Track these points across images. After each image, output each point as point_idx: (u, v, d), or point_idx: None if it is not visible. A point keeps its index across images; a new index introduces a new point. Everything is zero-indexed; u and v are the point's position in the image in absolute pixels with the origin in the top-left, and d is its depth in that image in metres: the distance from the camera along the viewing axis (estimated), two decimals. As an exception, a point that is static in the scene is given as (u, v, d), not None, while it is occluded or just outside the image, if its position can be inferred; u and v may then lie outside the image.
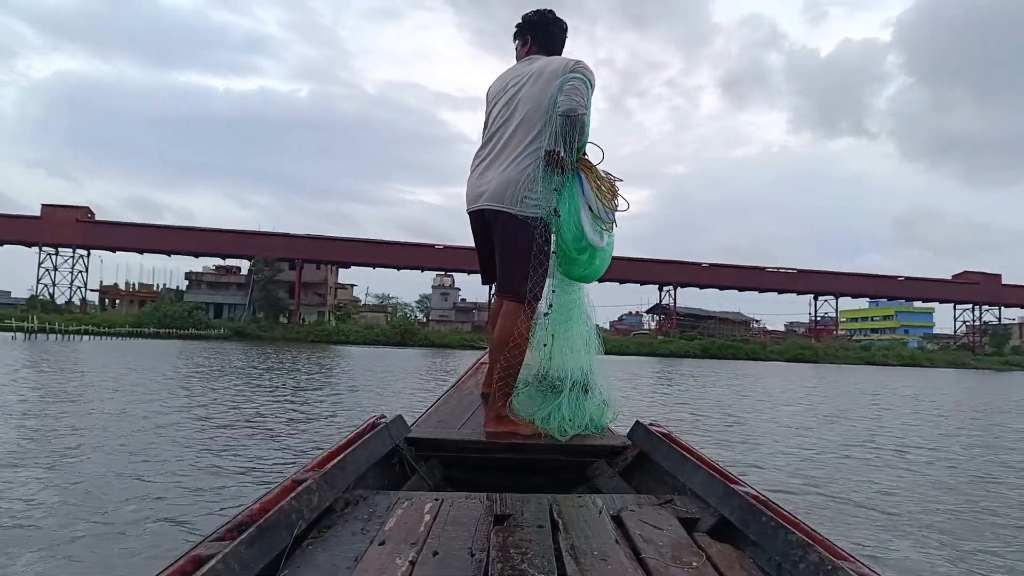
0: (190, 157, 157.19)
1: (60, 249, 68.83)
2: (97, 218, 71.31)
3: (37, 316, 51.95)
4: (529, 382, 2.47)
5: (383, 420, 2.15)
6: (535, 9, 2.65)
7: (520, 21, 2.65)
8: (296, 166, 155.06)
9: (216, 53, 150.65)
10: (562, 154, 2.27)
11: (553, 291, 2.44)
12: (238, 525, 1.34)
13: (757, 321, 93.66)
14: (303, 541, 1.45)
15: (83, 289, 71.19)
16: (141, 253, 72.19)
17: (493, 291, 2.65)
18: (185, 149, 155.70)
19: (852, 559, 1.31)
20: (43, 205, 68.18)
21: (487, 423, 2.38)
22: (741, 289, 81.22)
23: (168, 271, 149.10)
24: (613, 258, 2.54)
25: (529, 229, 2.34)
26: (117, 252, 71.74)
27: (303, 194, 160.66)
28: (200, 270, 77.60)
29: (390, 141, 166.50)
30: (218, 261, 76.56)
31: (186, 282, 77.00)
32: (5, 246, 68.08)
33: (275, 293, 68.98)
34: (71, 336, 48.45)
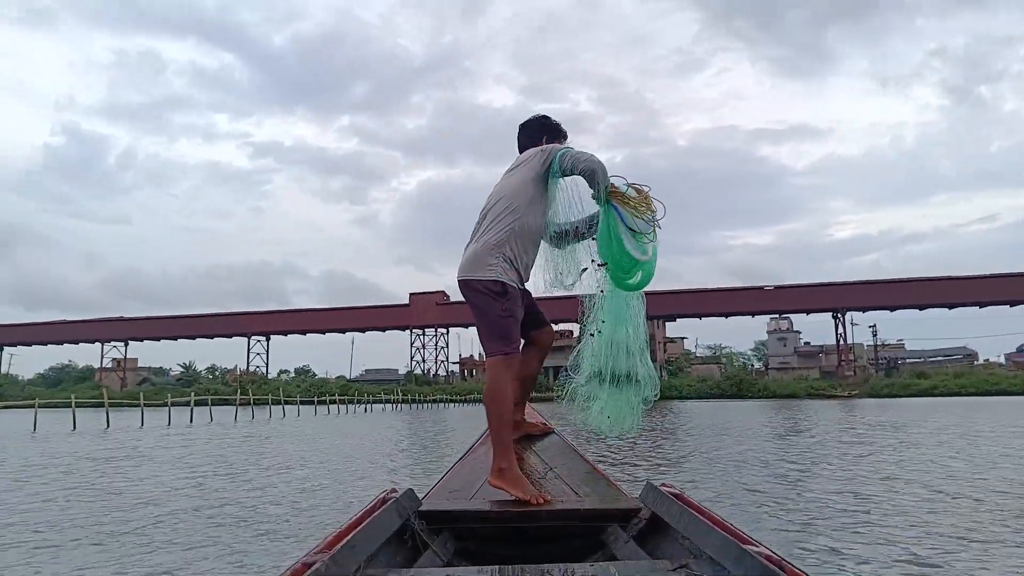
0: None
1: (425, 329, 79.60)
2: (451, 300, 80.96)
3: (411, 389, 59.64)
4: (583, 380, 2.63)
5: (394, 494, 2.13)
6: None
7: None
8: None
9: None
10: (593, 193, 2.49)
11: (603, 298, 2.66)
12: None
13: None
14: None
15: (446, 363, 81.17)
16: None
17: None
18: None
19: None
20: (410, 294, 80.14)
21: (490, 476, 2.37)
22: None
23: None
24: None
25: (486, 292, 2.49)
26: (469, 328, 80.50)
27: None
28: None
29: (709, 188, 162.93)
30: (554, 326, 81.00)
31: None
32: (388, 331, 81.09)
33: (605, 352, 70.20)
34: (440, 404, 54.82)
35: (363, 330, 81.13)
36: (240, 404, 35.24)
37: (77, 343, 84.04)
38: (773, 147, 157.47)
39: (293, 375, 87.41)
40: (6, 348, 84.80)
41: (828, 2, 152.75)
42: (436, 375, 79.79)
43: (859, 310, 70.05)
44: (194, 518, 5.61)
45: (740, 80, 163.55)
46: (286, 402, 41.70)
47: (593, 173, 2.45)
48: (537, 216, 2.59)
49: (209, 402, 33.83)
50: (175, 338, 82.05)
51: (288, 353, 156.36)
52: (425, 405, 53.15)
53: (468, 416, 30.66)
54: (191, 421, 27.26)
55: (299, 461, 10.74)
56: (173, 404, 29.63)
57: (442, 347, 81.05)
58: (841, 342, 70.35)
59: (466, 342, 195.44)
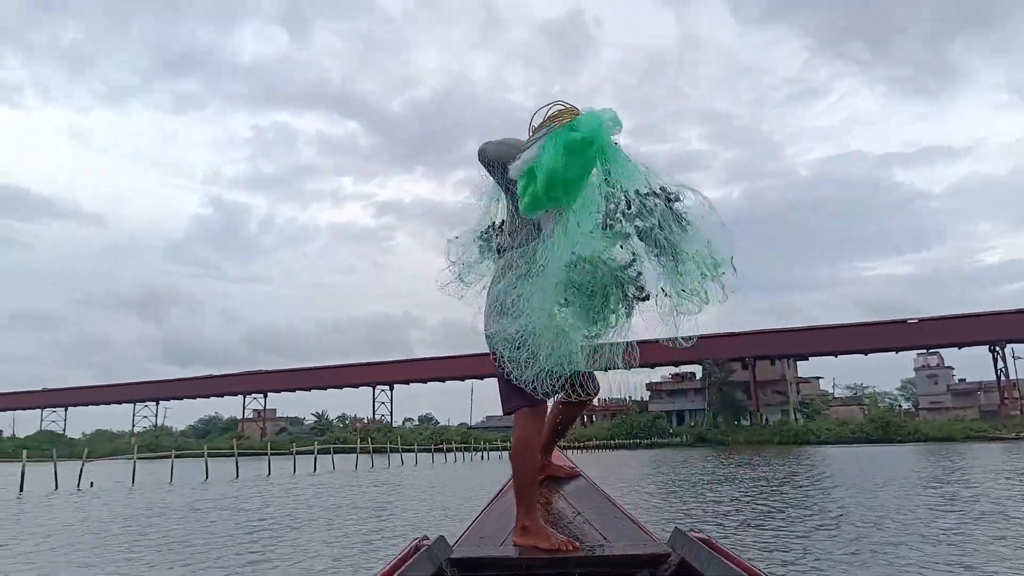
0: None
1: None
2: None
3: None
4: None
5: (426, 542, 2.16)
6: None
7: None
8: (737, 266, 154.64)
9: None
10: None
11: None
12: None
13: None
14: None
15: None
16: (605, 371, 78.26)
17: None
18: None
19: None
20: None
21: (514, 535, 2.36)
22: None
23: (632, 384, 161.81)
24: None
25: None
26: (586, 372, 79.25)
27: (745, 293, 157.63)
28: (659, 379, 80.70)
29: (836, 218, 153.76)
30: (674, 369, 78.42)
31: (648, 393, 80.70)
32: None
33: (731, 395, 66.56)
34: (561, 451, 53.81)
35: (481, 377, 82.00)
36: (361, 452, 36.29)
37: (222, 396, 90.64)
38: (905, 171, 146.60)
39: (416, 423, 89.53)
40: (162, 402, 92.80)
41: (949, 14, 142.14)
42: None
43: (1021, 342, 62.71)
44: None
45: (862, 104, 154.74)
46: (405, 450, 42.47)
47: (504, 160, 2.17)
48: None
49: (332, 451, 35.15)
50: (308, 389, 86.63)
51: (412, 402, 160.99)
52: None
53: (592, 462, 29.79)
54: (314, 470, 28.35)
55: (374, 509, 10.71)
56: (299, 453, 30.97)
57: None
58: (1002, 378, 63.12)
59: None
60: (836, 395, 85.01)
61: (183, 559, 6.88)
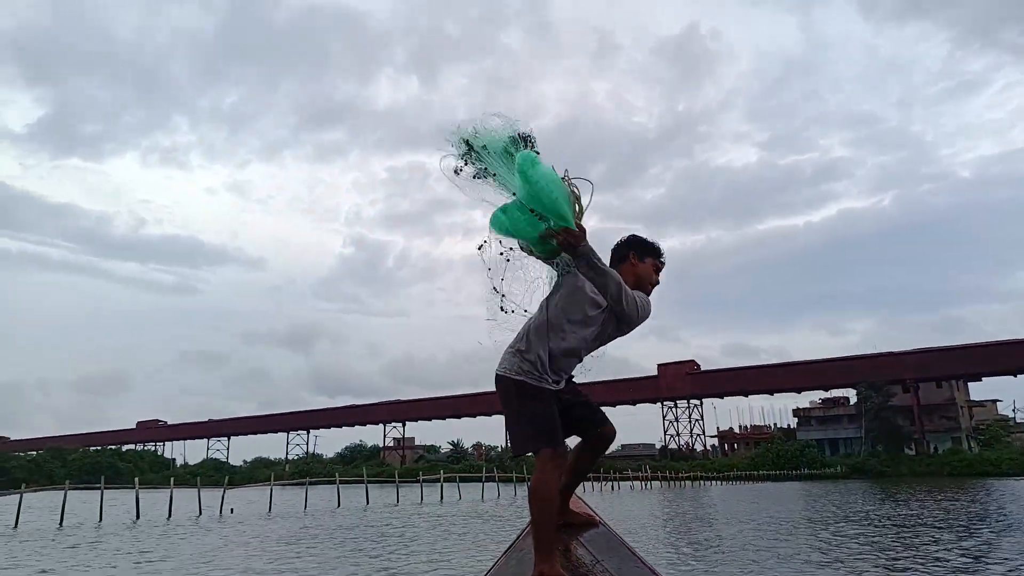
0: (776, 296, 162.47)
1: (677, 401, 76.43)
2: (702, 368, 77.08)
3: (666, 464, 56.92)
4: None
5: None
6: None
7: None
8: (890, 279, 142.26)
9: (789, 194, 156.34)
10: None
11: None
12: None
13: None
14: None
15: (702, 436, 76.72)
16: (746, 395, 74.44)
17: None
18: (771, 290, 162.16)
19: None
20: (659, 365, 77.59)
21: None
22: None
23: (776, 410, 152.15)
24: None
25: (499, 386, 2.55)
26: (724, 397, 75.56)
27: (902, 308, 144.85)
28: (807, 405, 75.38)
29: (1008, 221, 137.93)
30: (823, 393, 72.98)
31: (795, 419, 75.55)
32: (638, 404, 79.43)
33: (892, 421, 60.34)
34: (699, 482, 51.34)
35: (613, 404, 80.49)
36: (486, 481, 36.37)
37: (365, 424, 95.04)
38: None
39: None
40: (312, 431, 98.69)
41: None
42: (692, 449, 75.59)
43: None
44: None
45: None
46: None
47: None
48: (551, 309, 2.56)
49: (457, 479, 35.45)
50: (444, 417, 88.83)
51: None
52: (680, 484, 50.18)
53: (735, 496, 28.00)
54: (441, 500, 28.65)
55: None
56: (426, 481, 31.68)
57: (696, 419, 76.93)
58: None
59: (723, 414, 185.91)
60: (1018, 420, 75.11)
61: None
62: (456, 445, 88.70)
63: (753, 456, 65.11)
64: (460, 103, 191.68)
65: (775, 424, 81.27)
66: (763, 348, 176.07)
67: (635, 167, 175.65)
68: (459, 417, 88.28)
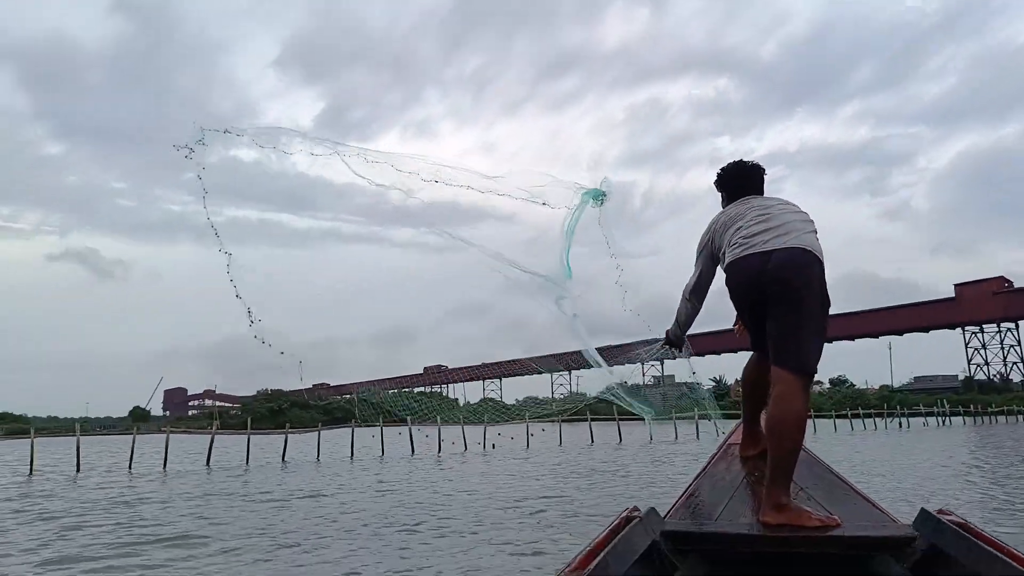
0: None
1: (983, 326, 67.55)
2: (1015, 286, 65.50)
3: (972, 398, 52.32)
4: None
5: (637, 513, 2.03)
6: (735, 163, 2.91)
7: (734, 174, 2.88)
8: None
9: None
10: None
11: None
12: None
13: None
14: None
15: (1019, 365, 67.47)
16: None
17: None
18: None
19: None
20: (956, 285, 67.20)
21: (765, 513, 2.11)
22: None
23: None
24: None
25: (821, 273, 2.27)
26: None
27: None
28: None
29: None
30: None
31: None
32: (931, 331, 71.25)
33: None
34: (1016, 416, 46.08)
35: (900, 332, 73.99)
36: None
37: (624, 364, 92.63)
38: None
39: (828, 387, 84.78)
40: (573, 372, 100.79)
41: None
42: (1008, 379, 66.76)
43: None
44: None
45: None
46: (818, 416, 40.27)
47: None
48: None
49: (711, 417, 34.16)
50: (703, 354, 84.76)
51: (825, 364, 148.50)
52: (992, 419, 43.90)
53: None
54: (697, 436, 29.05)
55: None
56: (680, 418, 33.02)
57: (1011, 345, 69.31)
58: None
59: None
60: None
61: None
62: (718, 381, 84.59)
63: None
64: (696, 26, 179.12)
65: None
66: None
67: (911, 61, 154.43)
68: (718, 353, 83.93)
